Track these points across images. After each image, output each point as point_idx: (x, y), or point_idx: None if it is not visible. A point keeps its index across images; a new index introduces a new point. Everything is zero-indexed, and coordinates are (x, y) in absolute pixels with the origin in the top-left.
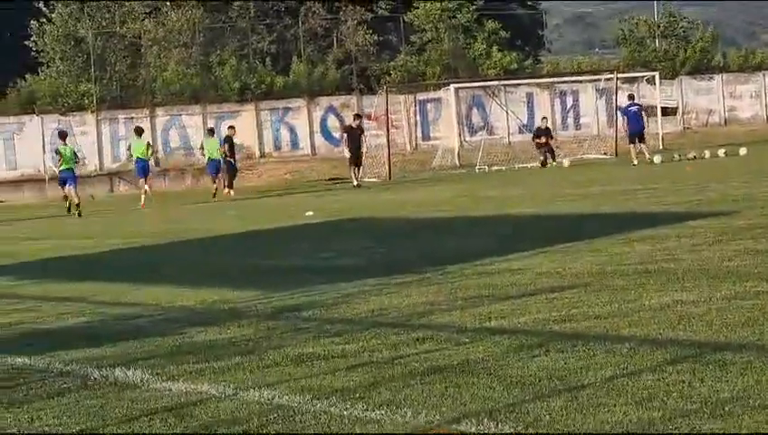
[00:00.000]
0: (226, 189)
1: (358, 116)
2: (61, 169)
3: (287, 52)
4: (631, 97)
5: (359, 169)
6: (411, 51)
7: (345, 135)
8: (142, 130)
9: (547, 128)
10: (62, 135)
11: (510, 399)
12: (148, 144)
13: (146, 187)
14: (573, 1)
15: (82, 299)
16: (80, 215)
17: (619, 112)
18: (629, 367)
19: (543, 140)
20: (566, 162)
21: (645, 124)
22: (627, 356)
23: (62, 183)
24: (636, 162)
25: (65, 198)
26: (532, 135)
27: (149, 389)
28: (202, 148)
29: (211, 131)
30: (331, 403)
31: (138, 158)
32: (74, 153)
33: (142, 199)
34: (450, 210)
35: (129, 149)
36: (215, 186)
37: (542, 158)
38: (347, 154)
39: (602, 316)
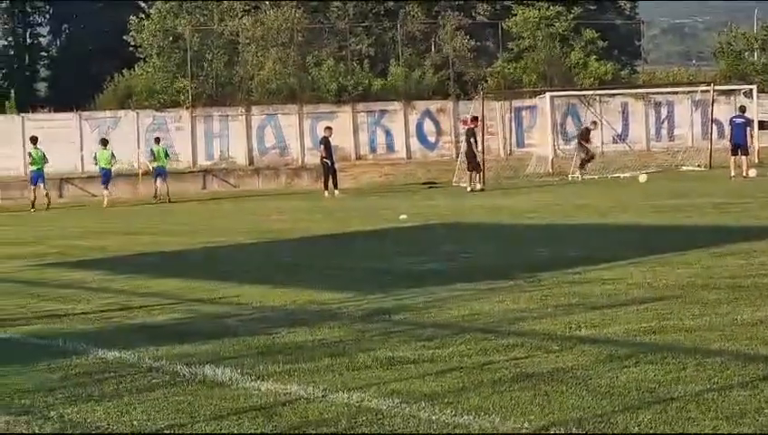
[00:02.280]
0: (326, 191)
1: (475, 118)
2: (32, 169)
3: (385, 54)
4: (742, 109)
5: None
6: (508, 58)
7: (472, 139)
8: (107, 141)
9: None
10: (33, 140)
11: (598, 409)
12: (112, 154)
13: (106, 191)
14: (676, 1)
15: (173, 296)
16: (47, 209)
17: (715, 124)
18: (720, 382)
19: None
20: (643, 177)
21: (749, 138)
22: (718, 371)
23: (34, 182)
24: (733, 174)
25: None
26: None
27: (238, 388)
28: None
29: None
30: (419, 407)
31: (102, 167)
32: (44, 156)
33: (105, 202)
34: (543, 218)
35: (95, 158)
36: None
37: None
38: (470, 158)
39: (693, 329)
